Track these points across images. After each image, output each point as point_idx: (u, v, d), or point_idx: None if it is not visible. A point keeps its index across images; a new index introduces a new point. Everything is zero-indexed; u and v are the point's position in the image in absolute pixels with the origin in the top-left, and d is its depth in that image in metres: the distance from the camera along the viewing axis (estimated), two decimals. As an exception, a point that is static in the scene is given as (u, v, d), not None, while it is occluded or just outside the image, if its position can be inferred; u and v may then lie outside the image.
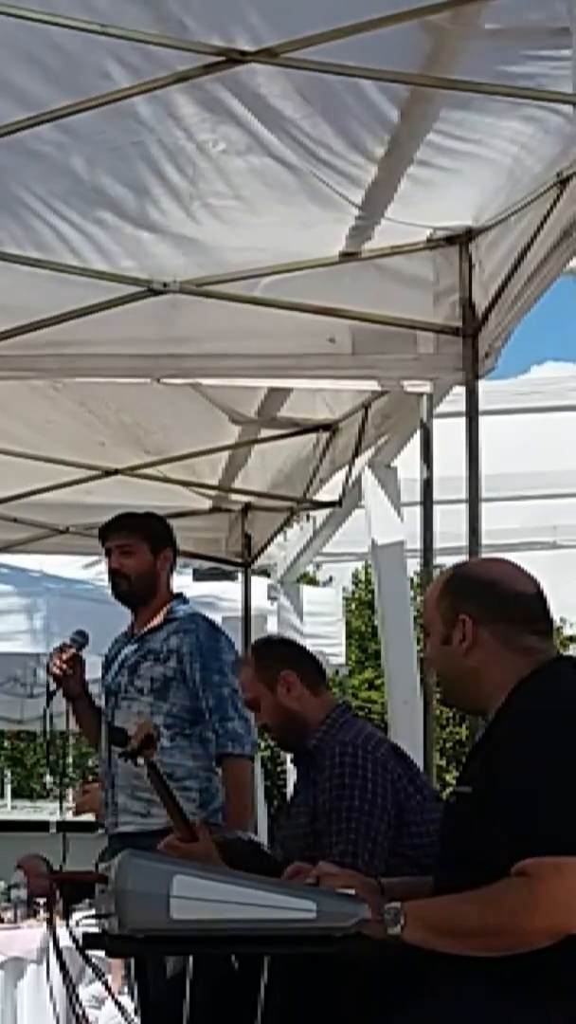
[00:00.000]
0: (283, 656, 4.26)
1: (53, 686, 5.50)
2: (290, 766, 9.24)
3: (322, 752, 3.98)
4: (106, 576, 5.69)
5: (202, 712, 5.32)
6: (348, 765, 3.85)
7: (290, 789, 9.10)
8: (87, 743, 6.31)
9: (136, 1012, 4.01)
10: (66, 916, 3.31)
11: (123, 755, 4.27)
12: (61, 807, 5.83)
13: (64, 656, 5.48)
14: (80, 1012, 3.46)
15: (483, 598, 3.16)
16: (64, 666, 5.46)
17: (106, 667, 5.64)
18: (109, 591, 5.67)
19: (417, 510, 5.70)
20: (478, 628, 3.13)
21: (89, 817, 5.96)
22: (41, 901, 9.26)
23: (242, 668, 4.39)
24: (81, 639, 5.51)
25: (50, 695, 5.54)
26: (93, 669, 5.73)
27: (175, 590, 5.71)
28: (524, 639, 3.13)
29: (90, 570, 9.67)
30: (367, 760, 3.86)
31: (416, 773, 3.98)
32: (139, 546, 5.49)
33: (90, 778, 6.27)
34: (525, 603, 3.16)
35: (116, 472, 7.30)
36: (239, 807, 5.32)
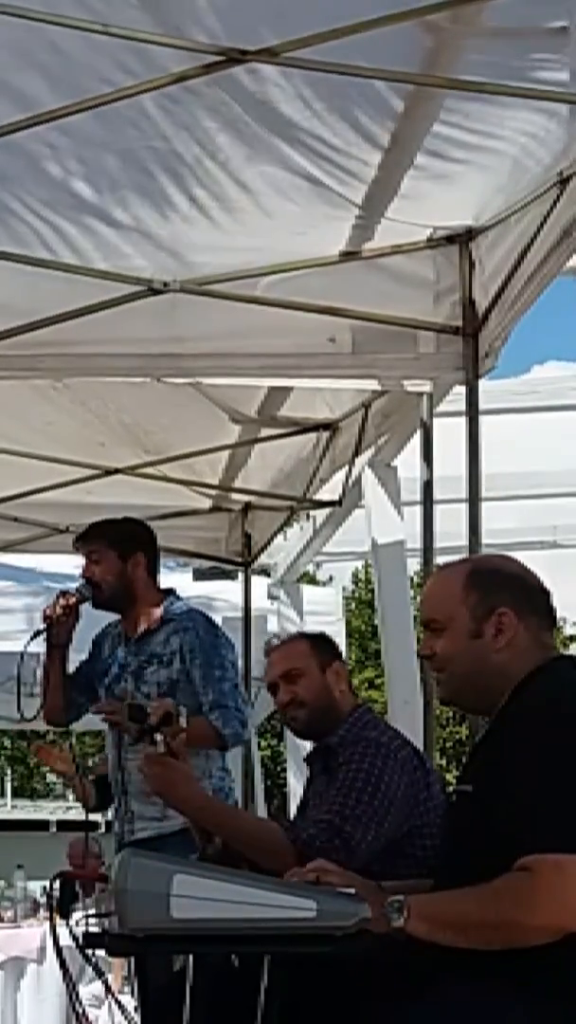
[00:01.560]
0: (336, 650, 4.33)
1: (43, 626, 5.52)
2: (291, 767, 9.26)
3: (345, 747, 3.99)
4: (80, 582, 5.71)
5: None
6: (369, 757, 3.88)
7: (290, 790, 9.12)
8: (89, 744, 6.37)
9: (136, 1011, 4.02)
10: (66, 915, 3.32)
11: (140, 732, 4.26)
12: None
13: (64, 602, 5.51)
14: (80, 1011, 3.46)
15: (517, 591, 3.13)
16: (61, 612, 5.48)
17: (99, 661, 5.63)
18: None
19: (417, 509, 5.70)
20: (517, 621, 3.10)
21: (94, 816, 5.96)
22: (41, 901, 9.26)
23: (287, 643, 4.37)
24: (87, 592, 5.51)
25: (36, 633, 5.56)
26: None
27: (170, 587, 5.70)
28: (546, 635, 3.13)
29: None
30: (388, 758, 3.89)
31: (433, 778, 4.00)
32: (106, 553, 5.49)
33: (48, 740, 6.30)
34: (546, 598, 3.16)
35: (116, 471, 7.31)
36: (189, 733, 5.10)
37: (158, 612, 5.48)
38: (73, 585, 5.71)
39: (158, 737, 4.10)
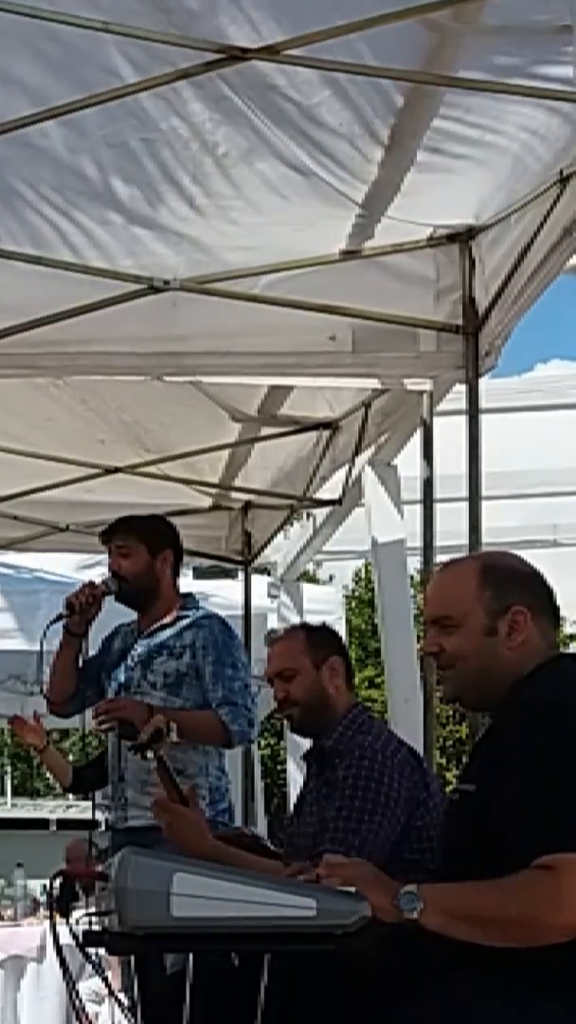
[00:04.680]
0: (336, 643, 4.30)
1: (65, 611, 5.54)
2: (291, 766, 9.26)
3: (340, 753, 3.97)
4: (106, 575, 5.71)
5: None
6: (366, 769, 3.86)
7: (290, 789, 9.12)
8: (94, 747, 6.38)
9: (126, 1010, 4.00)
10: (66, 914, 3.32)
11: (132, 748, 4.27)
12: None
13: (90, 591, 5.54)
14: (80, 1008, 3.46)
15: (531, 590, 3.12)
16: (85, 600, 5.51)
17: (107, 655, 5.63)
18: None
19: (418, 508, 5.70)
20: (531, 619, 3.10)
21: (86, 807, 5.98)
22: (41, 900, 9.26)
23: (285, 638, 4.34)
24: (113, 585, 5.54)
25: (57, 617, 5.58)
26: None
27: (189, 592, 5.73)
28: (553, 634, 3.13)
29: (91, 571, 9.68)
30: (385, 766, 3.86)
31: (430, 777, 3.99)
32: (136, 548, 5.52)
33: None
34: (553, 597, 3.16)
35: (116, 470, 7.31)
36: (195, 724, 5.18)
37: (174, 611, 5.52)
38: (79, 585, 5.72)
39: (149, 754, 4.09)
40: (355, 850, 3.70)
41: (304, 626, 4.48)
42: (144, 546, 5.52)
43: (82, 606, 5.51)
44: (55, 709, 5.86)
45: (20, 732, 6.38)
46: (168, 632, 5.47)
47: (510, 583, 3.13)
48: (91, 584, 5.58)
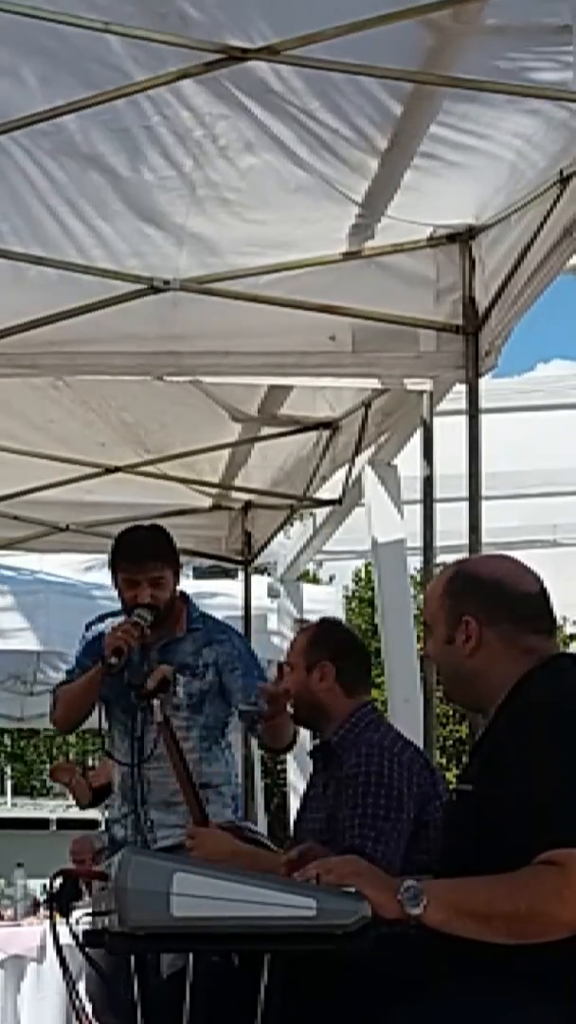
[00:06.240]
0: (333, 645, 4.27)
1: (115, 659, 5.13)
2: (291, 766, 9.26)
3: (346, 749, 3.99)
4: (107, 574, 5.60)
5: (230, 720, 5.29)
6: (375, 764, 3.87)
7: (290, 789, 9.12)
8: (90, 743, 6.35)
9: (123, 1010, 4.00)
10: (66, 913, 3.32)
11: (139, 696, 4.23)
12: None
13: (137, 632, 5.17)
14: (80, 1008, 3.46)
15: (487, 599, 3.15)
16: (135, 641, 5.17)
17: (113, 663, 5.57)
18: (109, 588, 5.61)
19: (418, 508, 5.70)
20: (482, 630, 3.12)
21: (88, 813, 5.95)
22: (42, 899, 9.25)
23: (301, 633, 4.40)
24: (150, 617, 5.21)
25: (109, 668, 5.15)
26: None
27: (182, 590, 5.66)
28: (527, 639, 3.12)
29: (89, 573, 9.69)
30: (394, 762, 3.87)
31: (437, 777, 4.00)
32: (168, 575, 5.31)
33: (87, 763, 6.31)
34: (529, 602, 3.16)
35: (117, 470, 7.31)
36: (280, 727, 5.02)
37: (182, 619, 5.39)
38: (78, 584, 5.65)
39: (155, 703, 4.10)
40: (375, 843, 3.71)
41: (318, 625, 4.47)
42: (171, 570, 5.33)
43: (129, 648, 5.18)
44: (65, 731, 5.75)
45: (59, 778, 6.34)
46: (185, 649, 5.33)
47: (466, 594, 3.17)
48: (134, 624, 5.22)
